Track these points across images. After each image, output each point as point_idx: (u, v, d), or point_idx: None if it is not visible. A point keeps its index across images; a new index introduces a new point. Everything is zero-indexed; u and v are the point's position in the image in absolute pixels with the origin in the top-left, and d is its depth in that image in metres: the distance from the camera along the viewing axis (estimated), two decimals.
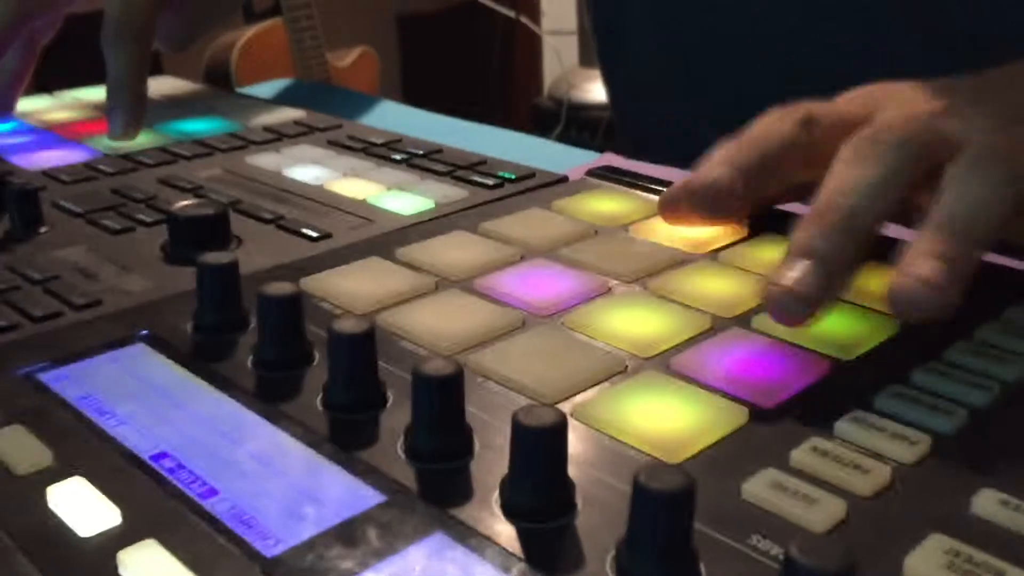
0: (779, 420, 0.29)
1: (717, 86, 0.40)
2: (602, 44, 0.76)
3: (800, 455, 0.27)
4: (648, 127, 0.72)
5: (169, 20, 0.64)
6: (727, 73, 0.40)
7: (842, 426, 0.28)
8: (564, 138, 2.03)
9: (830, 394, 0.31)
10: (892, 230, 0.41)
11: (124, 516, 0.25)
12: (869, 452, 0.27)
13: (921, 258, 0.31)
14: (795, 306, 0.31)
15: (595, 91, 2.16)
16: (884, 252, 0.39)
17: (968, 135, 0.34)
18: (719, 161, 0.38)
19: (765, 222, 0.43)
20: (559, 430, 0.25)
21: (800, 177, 0.38)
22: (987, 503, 0.25)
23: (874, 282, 0.37)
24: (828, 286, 0.32)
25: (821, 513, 0.25)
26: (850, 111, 0.38)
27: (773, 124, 0.38)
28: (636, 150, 0.66)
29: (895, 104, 0.37)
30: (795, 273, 0.31)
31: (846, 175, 0.34)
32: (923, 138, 0.34)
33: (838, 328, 0.34)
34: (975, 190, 0.32)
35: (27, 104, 0.67)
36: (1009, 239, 0.36)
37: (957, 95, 0.37)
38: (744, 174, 0.37)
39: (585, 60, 2.28)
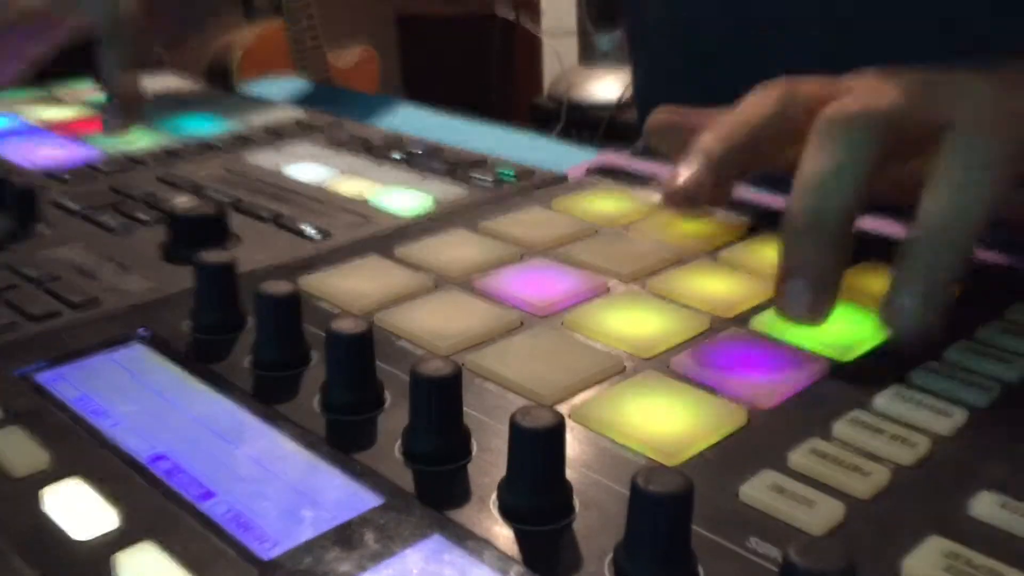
0: (778, 421, 0.29)
1: (738, 84, 0.39)
2: (630, 39, 0.76)
3: (799, 457, 0.27)
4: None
5: (163, 19, 0.65)
6: (749, 71, 0.40)
7: (841, 427, 0.28)
8: (564, 138, 2.03)
9: (829, 395, 0.30)
10: (890, 227, 0.41)
11: (121, 518, 0.25)
12: (868, 454, 0.27)
13: (907, 284, 0.31)
14: (808, 321, 0.33)
15: (595, 90, 2.16)
16: (880, 251, 0.39)
17: (957, 103, 0.34)
18: (693, 153, 0.38)
19: (764, 221, 0.43)
20: (557, 432, 0.25)
21: (789, 152, 0.38)
22: (986, 505, 0.25)
23: (872, 283, 0.37)
24: (827, 294, 0.33)
25: (819, 515, 0.25)
26: (833, 86, 0.38)
27: (751, 104, 0.39)
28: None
29: (886, 82, 0.36)
30: (790, 300, 0.33)
31: (811, 170, 0.34)
32: (891, 111, 0.34)
33: (837, 329, 0.34)
34: (963, 185, 0.32)
35: (26, 102, 0.67)
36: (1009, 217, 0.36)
37: (954, 72, 0.36)
38: (715, 166, 0.38)
39: (585, 59, 2.28)
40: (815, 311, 0.33)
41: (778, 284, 0.33)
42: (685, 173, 0.38)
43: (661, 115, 0.43)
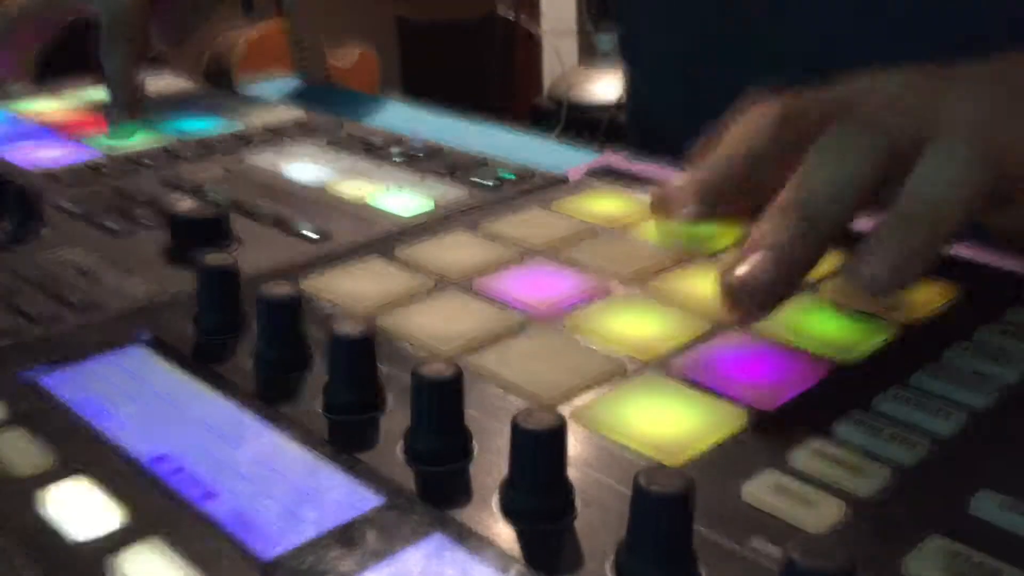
0: (779, 422, 0.29)
1: (733, 88, 0.39)
2: (623, 42, 0.76)
3: (800, 457, 0.27)
4: (663, 128, 0.72)
5: (164, 18, 0.65)
6: (744, 75, 0.40)
7: (842, 428, 0.28)
8: (564, 138, 2.03)
9: (830, 396, 0.31)
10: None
11: (124, 518, 0.25)
12: (869, 454, 0.27)
13: (876, 247, 0.31)
14: (747, 299, 0.32)
15: (595, 91, 2.16)
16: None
17: (947, 124, 0.34)
18: (688, 192, 0.37)
19: None
20: (558, 433, 0.25)
21: (784, 178, 0.38)
22: (986, 505, 0.25)
23: None
24: (782, 280, 0.32)
25: (821, 515, 0.25)
26: (828, 103, 0.37)
27: (746, 131, 0.37)
28: (649, 151, 0.66)
29: (880, 93, 0.36)
30: (748, 266, 0.32)
31: (811, 171, 0.33)
32: (895, 133, 0.34)
33: (838, 330, 0.34)
34: (943, 172, 0.32)
35: (28, 103, 0.67)
36: (991, 229, 0.36)
37: (948, 85, 0.36)
38: (711, 205, 0.36)
39: (585, 60, 2.28)
40: (767, 293, 0.31)
41: (735, 258, 0.32)
42: (683, 189, 0.36)
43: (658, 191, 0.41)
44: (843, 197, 0.33)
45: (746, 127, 0.37)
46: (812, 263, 0.32)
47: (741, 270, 0.32)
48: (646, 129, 0.74)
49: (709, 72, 0.63)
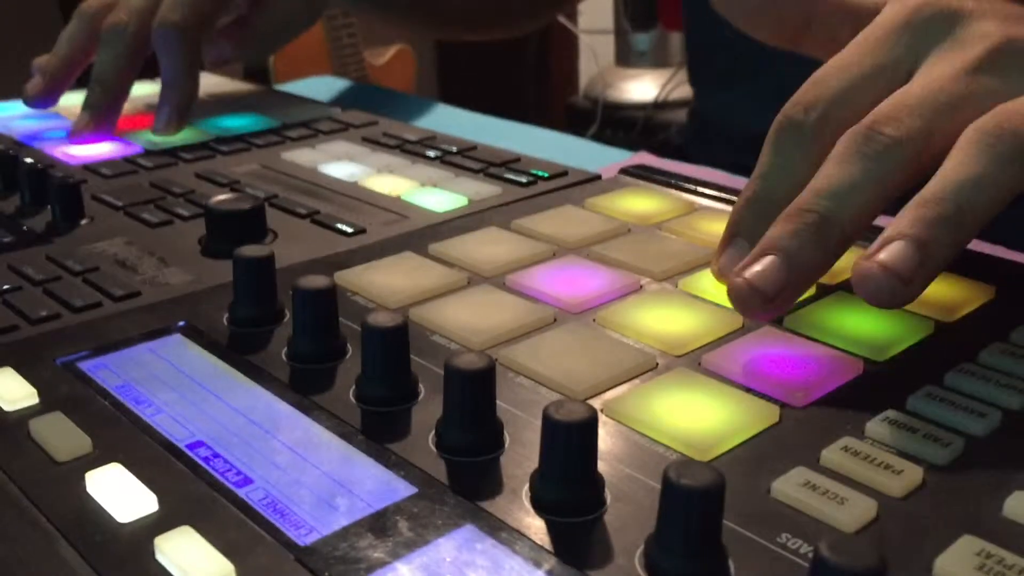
0: (810, 419, 0.29)
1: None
2: (691, 44, 0.76)
3: (831, 454, 0.27)
4: (730, 128, 0.72)
5: (249, 35, 0.66)
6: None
7: (874, 426, 0.28)
8: (599, 137, 2.03)
9: (862, 394, 0.30)
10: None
11: (161, 503, 0.25)
12: (901, 453, 0.27)
13: (894, 241, 0.30)
14: (753, 300, 0.31)
15: (631, 90, 2.16)
16: None
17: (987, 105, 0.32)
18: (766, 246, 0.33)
19: None
20: (589, 425, 0.25)
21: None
22: (1019, 505, 0.25)
23: None
24: (790, 284, 0.31)
25: (852, 513, 0.25)
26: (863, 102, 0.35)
27: (781, 163, 0.35)
28: (714, 154, 0.66)
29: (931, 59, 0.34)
30: (758, 267, 0.31)
31: (830, 174, 0.32)
32: (924, 133, 0.32)
33: (871, 329, 0.34)
34: (974, 164, 0.30)
35: (69, 99, 0.68)
36: None
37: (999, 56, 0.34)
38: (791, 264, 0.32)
39: (621, 59, 2.28)
40: (773, 296, 0.31)
41: (746, 259, 0.31)
42: (756, 268, 0.32)
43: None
44: (860, 200, 0.32)
45: (776, 160, 0.35)
46: (823, 267, 0.32)
47: (751, 272, 0.31)
48: (711, 150, 0.74)
49: (775, 83, 0.63)
